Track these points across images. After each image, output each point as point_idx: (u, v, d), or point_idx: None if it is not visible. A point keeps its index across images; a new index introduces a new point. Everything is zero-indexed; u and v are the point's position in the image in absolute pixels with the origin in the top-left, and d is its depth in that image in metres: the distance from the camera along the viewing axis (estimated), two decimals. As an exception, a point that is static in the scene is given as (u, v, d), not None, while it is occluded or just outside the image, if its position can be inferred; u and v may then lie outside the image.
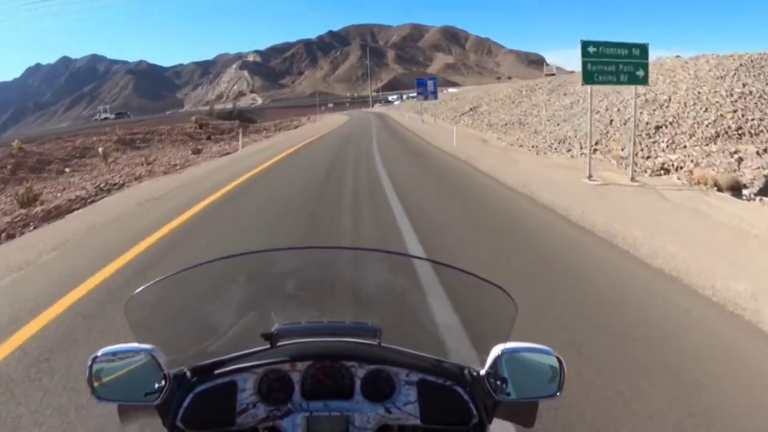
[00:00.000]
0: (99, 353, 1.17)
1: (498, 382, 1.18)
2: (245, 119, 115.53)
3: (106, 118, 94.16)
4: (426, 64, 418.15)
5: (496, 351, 1.19)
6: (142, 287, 1.30)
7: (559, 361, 1.19)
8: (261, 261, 1.71)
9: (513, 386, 1.18)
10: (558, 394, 1.20)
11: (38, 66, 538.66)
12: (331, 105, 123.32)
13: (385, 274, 1.64)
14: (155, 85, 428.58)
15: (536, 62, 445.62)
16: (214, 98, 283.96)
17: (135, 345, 1.17)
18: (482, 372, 1.21)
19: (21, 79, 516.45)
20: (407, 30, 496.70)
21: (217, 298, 1.56)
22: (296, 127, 49.81)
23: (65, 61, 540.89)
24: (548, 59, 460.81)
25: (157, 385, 1.14)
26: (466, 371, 1.25)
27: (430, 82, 40.22)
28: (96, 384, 1.16)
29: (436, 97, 40.52)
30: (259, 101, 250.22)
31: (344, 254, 1.82)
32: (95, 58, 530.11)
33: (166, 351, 1.19)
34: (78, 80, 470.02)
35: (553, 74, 66.41)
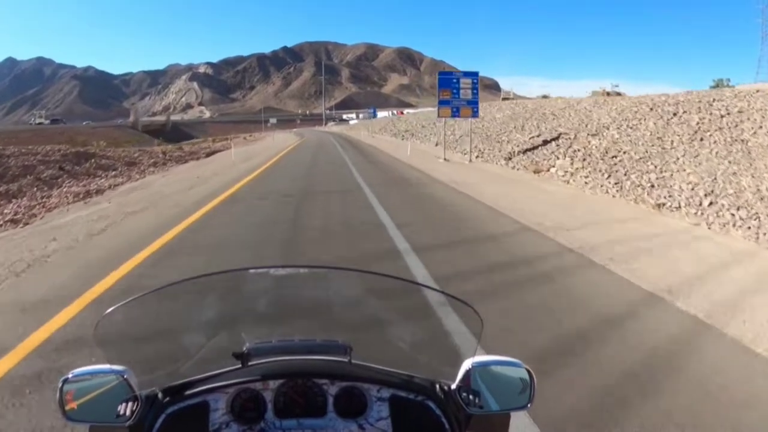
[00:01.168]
0: (69, 375, 1.16)
1: (470, 396, 1.20)
2: (181, 135, 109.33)
3: (40, 123, 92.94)
4: (380, 84, 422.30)
5: (466, 365, 1.22)
6: (110, 309, 1.29)
7: (529, 373, 1.22)
8: (231, 280, 1.70)
9: (484, 399, 1.20)
10: (529, 405, 1.22)
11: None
12: (273, 121, 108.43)
13: (354, 292, 1.69)
14: (102, 92, 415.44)
15: (490, 86, 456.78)
16: (155, 108, 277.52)
17: (106, 366, 1.16)
18: (453, 386, 1.23)
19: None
20: (362, 49, 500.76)
21: (187, 318, 1.59)
22: (209, 155, 32.01)
23: (10, 62, 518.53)
24: (502, 84, 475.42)
25: (128, 407, 1.14)
26: (437, 386, 1.27)
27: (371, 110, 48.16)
28: (67, 405, 1.14)
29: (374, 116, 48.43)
30: (207, 114, 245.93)
31: (312, 273, 1.77)
32: (42, 61, 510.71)
33: (137, 372, 1.19)
34: (22, 83, 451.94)
35: (510, 98, 66.58)
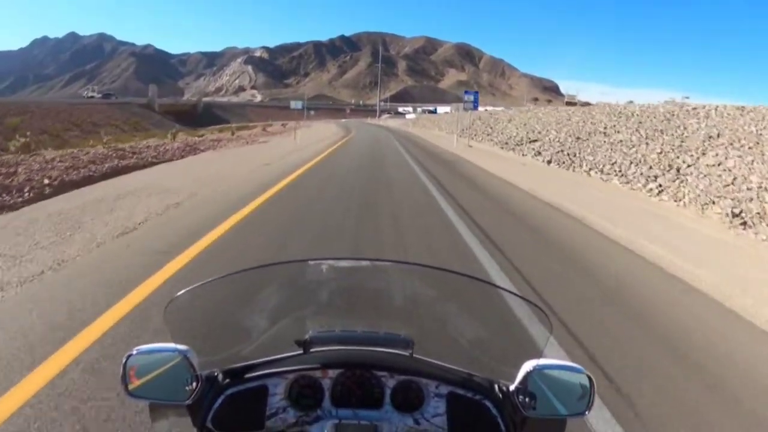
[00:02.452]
0: (134, 351, 1.18)
1: (527, 399, 1.18)
2: (213, 119, 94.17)
3: (91, 97, 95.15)
4: (438, 79, 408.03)
5: (527, 367, 1.20)
6: (181, 291, 1.32)
7: (590, 379, 1.20)
8: (297, 270, 1.72)
9: (541, 403, 1.18)
10: (587, 413, 1.20)
11: (45, 39, 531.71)
12: (312, 113, 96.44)
13: (419, 287, 1.65)
14: (158, 70, 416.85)
15: (550, 89, 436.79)
16: (208, 89, 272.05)
17: (170, 345, 1.18)
18: (512, 387, 1.21)
19: (27, 49, 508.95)
20: (421, 42, 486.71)
21: (252, 304, 1.57)
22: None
23: (73, 36, 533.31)
24: (561, 88, 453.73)
25: (188, 386, 1.15)
26: (496, 386, 1.26)
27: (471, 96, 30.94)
28: (129, 381, 1.17)
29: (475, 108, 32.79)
30: (258, 98, 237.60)
31: (377, 266, 1.78)
32: (103, 37, 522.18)
33: (199, 353, 1.21)
34: (83, 57, 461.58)
35: (575, 104, 56.51)
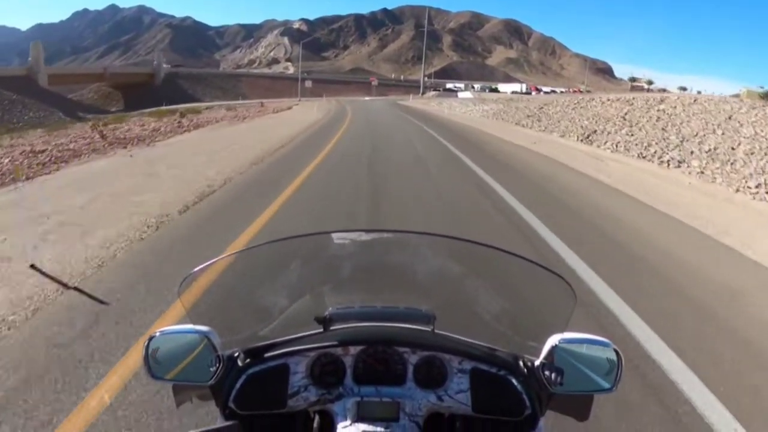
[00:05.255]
0: (156, 333, 1.18)
1: (552, 374, 1.16)
2: (180, 95, 65.87)
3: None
4: (484, 56, 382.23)
5: (552, 341, 1.18)
6: (195, 269, 1.30)
7: (617, 353, 1.18)
8: (314, 244, 1.64)
9: (567, 378, 1.16)
10: (614, 389, 1.18)
11: (86, 11, 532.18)
12: (308, 83, 72.50)
13: (439, 259, 1.59)
14: (194, 42, 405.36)
15: (603, 70, 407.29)
16: (242, 62, 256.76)
17: (191, 326, 1.19)
18: (537, 362, 1.20)
19: (67, 22, 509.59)
20: (467, 17, 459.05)
21: (270, 281, 1.53)
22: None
23: (113, 9, 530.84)
24: (615, 71, 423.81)
25: (211, 366, 1.16)
26: (520, 361, 1.24)
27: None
28: (152, 362, 1.17)
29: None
30: (291, 71, 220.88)
31: (398, 238, 1.75)
32: (143, 10, 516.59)
33: (220, 332, 1.21)
34: (121, 29, 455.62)
35: (645, 89, 51.97)
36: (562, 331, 1.18)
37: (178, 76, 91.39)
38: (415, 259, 1.57)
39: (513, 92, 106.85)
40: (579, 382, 1.15)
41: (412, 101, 73.21)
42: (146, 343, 1.15)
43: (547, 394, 1.16)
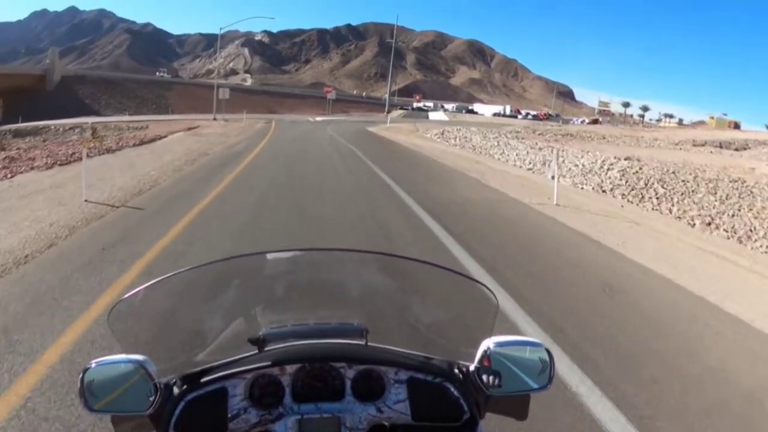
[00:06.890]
0: (91, 365, 1.16)
1: (489, 377, 1.18)
2: (76, 106, 53.32)
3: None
4: (448, 75, 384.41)
5: (484, 345, 1.20)
6: (123, 297, 1.29)
7: (549, 353, 1.20)
8: (248, 264, 1.64)
9: (503, 380, 1.18)
10: (548, 386, 1.21)
11: (44, 11, 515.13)
12: (225, 94, 51.13)
13: (370, 275, 1.62)
14: (153, 49, 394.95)
15: (565, 94, 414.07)
16: (200, 71, 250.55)
17: (125, 356, 1.17)
18: (472, 367, 1.21)
19: (25, 21, 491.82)
20: (431, 36, 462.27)
21: (204, 304, 1.53)
22: None
23: (72, 11, 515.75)
24: (576, 94, 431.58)
25: (149, 396, 1.14)
26: (455, 367, 1.26)
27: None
28: (88, 395, 1.14)
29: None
30: (249, 83, 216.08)
31: (330, 256, 1.77)
32: (103, 13, 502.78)
33: (155, 360, 1.19)
34: (80, 32, 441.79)
35: (612, 114, 47.59)
36: (489, 334, 1.21)
37: (82, 80, 75.49)
38: (347, 275, 1.59)
39: (495, 114, 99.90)
40: (514, 382, 1.18)
41: (390, 128, 43.49)
42: (81, 376, 1.12)
43: (485, 397, 1.19)
